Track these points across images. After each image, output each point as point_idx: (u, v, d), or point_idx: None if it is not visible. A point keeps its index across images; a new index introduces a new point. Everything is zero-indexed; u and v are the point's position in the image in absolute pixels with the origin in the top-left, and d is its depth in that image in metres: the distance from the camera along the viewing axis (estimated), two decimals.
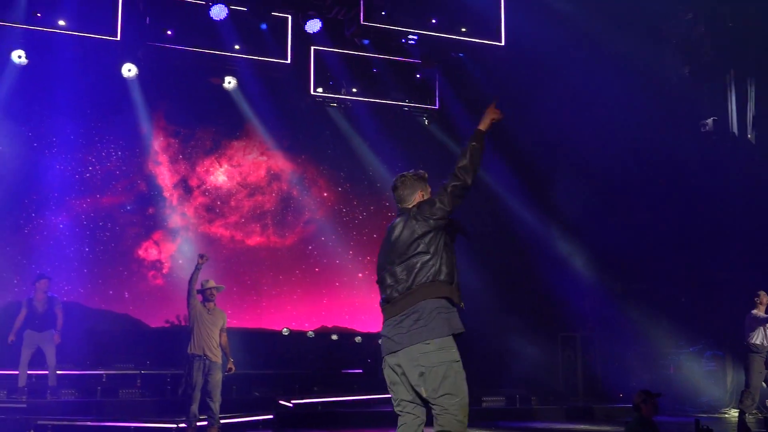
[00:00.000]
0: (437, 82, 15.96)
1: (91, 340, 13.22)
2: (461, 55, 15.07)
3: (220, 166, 16.09)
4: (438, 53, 15.04)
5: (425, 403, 4.50)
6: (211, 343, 9.56)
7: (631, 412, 7.49)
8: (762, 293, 10.54)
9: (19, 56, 13.43)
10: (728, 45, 14.56)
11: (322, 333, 15.53)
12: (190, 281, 9.62)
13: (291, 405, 12.47)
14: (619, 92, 14.37)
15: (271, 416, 11.61)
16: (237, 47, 14.22)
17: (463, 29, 14.42)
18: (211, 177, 16.00)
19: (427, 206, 4.59)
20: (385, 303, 4.66)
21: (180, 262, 15.25)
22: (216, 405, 9.58)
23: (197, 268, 9.56)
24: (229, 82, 15.06)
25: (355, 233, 16.70)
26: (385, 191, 16.15)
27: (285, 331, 15.00)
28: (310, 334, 15.27)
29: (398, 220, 4.75)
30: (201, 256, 9.60)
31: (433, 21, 14.32)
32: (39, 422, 10.04)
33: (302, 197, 16.52)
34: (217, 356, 9.61)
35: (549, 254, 15.74)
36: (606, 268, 15.16)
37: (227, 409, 10.33)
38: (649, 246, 14.72)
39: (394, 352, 4.51)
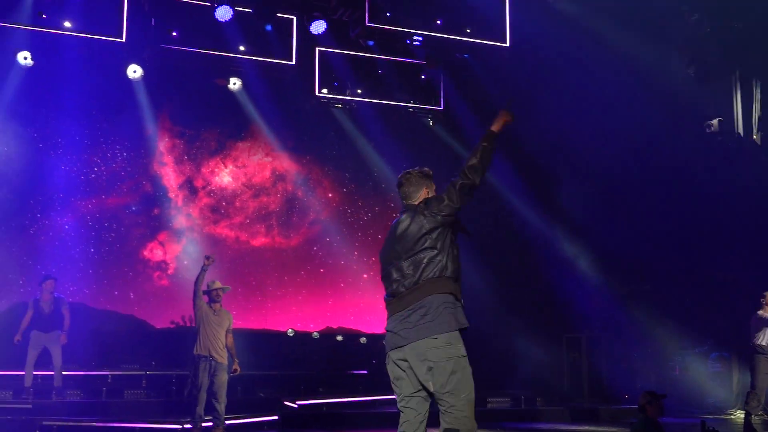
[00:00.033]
0: (442, 83, 15.96)
1: (96, 340, 13.25)
2: (466, 56, 15.04)
3: (225, 166, 16.11)
4: (443, 54, 15.01)
5: (431, 396, 4.52)
6: (217, 344, 9.57)
7: (637, 413, 7.46)
8: None
9: (24, 58, 13.45)
10: (734, 46, 14.51)
11: (327, 334, 15.54)
12: (197, 282, 9.63)
13: (296, 406, 12.47)
14: (624, 93, 14.36)
15: (276, 417, 11.61)
16: (242, 48, 14.21)
17: (468, 30, 14.40)
18: (216, 178, 16.03)
19: (435, 202, 4.61)
20: (391, 298, 4.67)
21: (185, 262, 15.28)
22: (221, 406, 9.58)
23: (203, 270, 9.57)
24: (234, 83, 15.09)
25: (360, 234, 16.71)
26: (389, 192, 16.16)
27: (290, 332, 15.01)
28: (315, 335, 15.27)
29: (404, 215, 4.75)
30: (207, 258, 9.60)
31: (438, 22, 14.31)
32: (44, 423, 10.05)
33: (307, 198, 16.54)
34: (223, 357, 9.62)
35: (554, 255, 15.74)
36: (611, 269, 15.15)
37: (232, 410, 10.32)
38: (654, 247, 14.70)
39: (400, 346, 4.52)
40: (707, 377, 14.18)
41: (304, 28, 14.28)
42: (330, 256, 16.48)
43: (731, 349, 13.91)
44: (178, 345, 12.95)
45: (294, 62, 14.62)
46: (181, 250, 15.51)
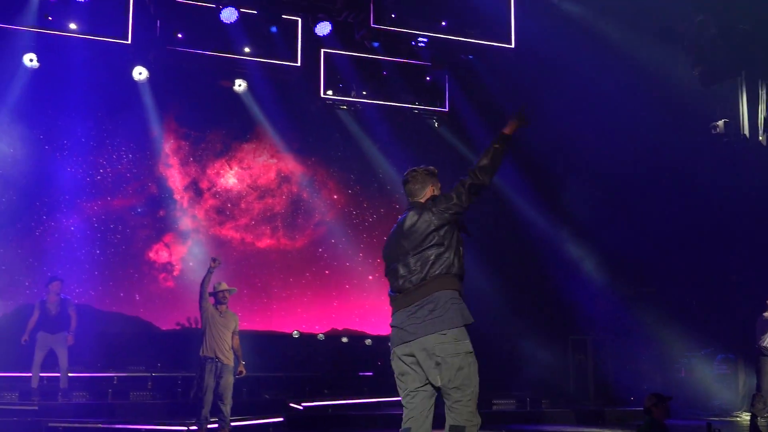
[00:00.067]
0: (447, 85, 15.97)
1: (102, 342, 13.26)
2: (471, 57, 15.04)
3: (231, 168, 16.12)
4: (448, 56, 15.02)
5: (437, 391, 4.54)
6: (223, 345, 9.58)
7: (643, 415, 7.46)
8: None
9: (30, 59, 13.50)
10: (739, 47, 14.49)
11: (333, 335, 15.54)
12: (203, 284, 9.64)
13: (301, 407, 12.48)
14: (629, 94, 14.33)
15: (281, 419, 11.62)
16: (247, 50, 14.25)
17: (473, 31, 14.40)
18: (222, 179, 16.04)
19: (444, 200, 4.64)
20: (396, 294, 4.69)
21: (190, 264, 15.29)
22: (227, 408, 9.59)
23: (209, 272, 9.57)
24: (240, 85, 15.11)
25: (365, 235, 16.71)
26: (395, 193, 16.16)
27: (295, 334, 15.01)
28: (321, 336, 15.28)
29: (411, 212, 4.76)
30: (214, 260, 9.60)
31: (443, 23, 14.31)
32: (50, 424, 10.07)
33: (312, 199, 16.54)
34: (229, 359, 9.62)
35: (560, 257, 15.72)
36: (617, 271, 15.12)
37: (237, 411, 10.34)
38: (659, 249, 14.68)
39: (407, 342, 4.54)
40: (713, 379, 14.15)
41: (309, 30, 14.30)
42: (335, 257, 16.48)
43: (737, 351, 13.87)
44: (184, 347, 12.99)
45: (299, 64, 14.67)
46: (187, 251, 15.52)
